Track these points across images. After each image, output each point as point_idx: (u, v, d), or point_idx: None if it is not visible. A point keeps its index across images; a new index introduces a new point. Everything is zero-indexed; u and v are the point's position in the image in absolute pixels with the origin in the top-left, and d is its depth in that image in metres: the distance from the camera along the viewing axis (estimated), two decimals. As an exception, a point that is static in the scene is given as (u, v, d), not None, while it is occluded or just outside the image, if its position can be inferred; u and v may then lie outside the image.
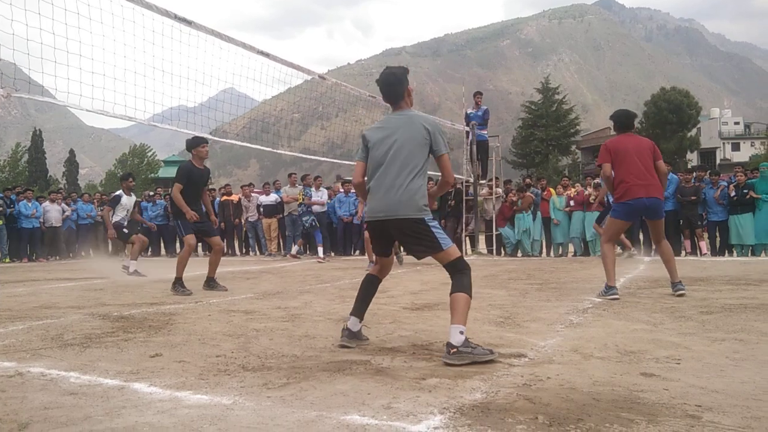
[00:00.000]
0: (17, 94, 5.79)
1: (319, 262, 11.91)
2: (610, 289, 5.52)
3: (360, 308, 3.56)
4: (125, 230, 9.44)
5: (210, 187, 16.46)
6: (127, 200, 9.44)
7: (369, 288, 3.62)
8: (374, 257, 3.92)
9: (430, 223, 3.36)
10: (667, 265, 5.67)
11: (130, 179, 9.79)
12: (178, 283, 6.44)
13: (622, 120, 5.88)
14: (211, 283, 6.83)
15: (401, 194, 3.34)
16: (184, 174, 6.58)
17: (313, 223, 12.27)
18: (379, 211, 3.40)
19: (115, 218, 9.33)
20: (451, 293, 3.23)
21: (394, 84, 3.56)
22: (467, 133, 13.36)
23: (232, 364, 3.08)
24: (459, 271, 3.29)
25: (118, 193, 9.64)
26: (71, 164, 68.76)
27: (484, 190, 13.54)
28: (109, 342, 3.73)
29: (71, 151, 72.17)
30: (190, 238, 6.62)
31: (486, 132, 13.41)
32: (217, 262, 6.91)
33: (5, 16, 5.37)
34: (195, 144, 6.66)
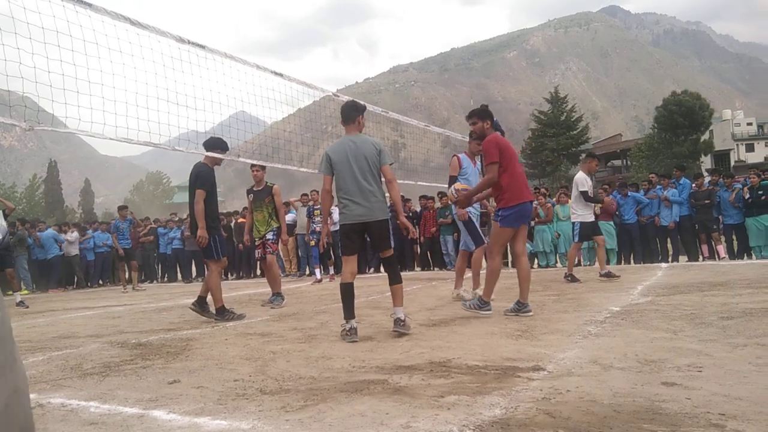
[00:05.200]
0: (40, 127, 5.87)
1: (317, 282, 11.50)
2: (485, 303, 5.37)
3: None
4: None
5: (224, 211, 16.47)
6: None
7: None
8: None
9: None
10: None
11: None
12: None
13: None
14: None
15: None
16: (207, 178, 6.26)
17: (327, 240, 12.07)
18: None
19: None
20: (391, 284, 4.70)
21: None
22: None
23: (250, 388, 3.09)
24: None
25: None
26: (87, 193, 69.64)
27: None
28: (128, 370, 3.75)
29: (86, 181, 73.13)
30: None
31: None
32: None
33: (26, 50, 5.47)
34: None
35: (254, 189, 7.66)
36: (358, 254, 4.89)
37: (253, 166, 7.80)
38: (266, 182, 7.67)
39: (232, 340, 4.81)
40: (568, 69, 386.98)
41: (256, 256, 7.75)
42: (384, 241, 4.69)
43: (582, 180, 8.53)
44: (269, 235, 7.49)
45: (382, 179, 4.75)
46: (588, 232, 8.66)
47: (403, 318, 4.51)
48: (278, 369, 3.53)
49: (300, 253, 14.42)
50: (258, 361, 3.83)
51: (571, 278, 8.33)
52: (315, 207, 12.27)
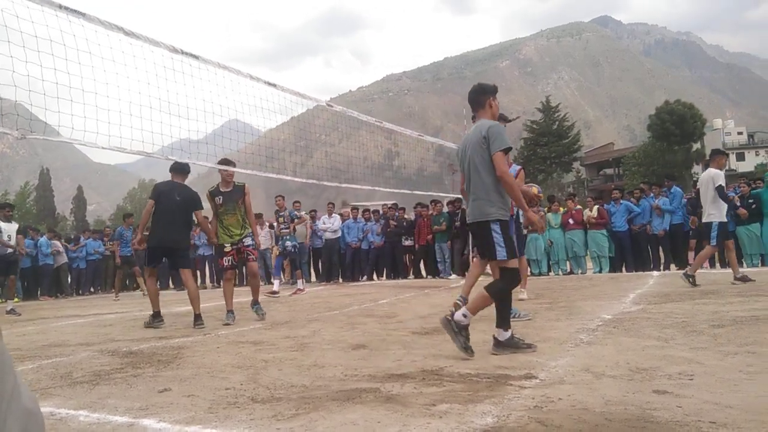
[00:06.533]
0: (32, 135, 5.84)
1: (273, 293, 10.61)
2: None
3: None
4: None
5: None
6: (6, 226, 10.40)
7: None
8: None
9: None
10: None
11: (7, 209, 10.76)
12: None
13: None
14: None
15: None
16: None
17: (294, 249, 11.33)
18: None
19: None
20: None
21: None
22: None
23: (241, 397, 3.07)
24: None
25: None
26: (79, 201, 69.35)
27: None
28: (119, 378, 3.73)
29: (79, 188, 72.83)
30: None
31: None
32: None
33: (19, 59, 5.45)
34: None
35: (222, 190, 6.95)
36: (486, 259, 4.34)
37: (221, 165, 7.12)
38: (235, 182, 7.05)
39: (223, 348, 4.79)
40: (561, 78, 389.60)
41: (226, 263, 6.84)
42: (485, 249, 4.07)
43: (717, 175, 7.80)
44: (247, 240, 6.87)
45: None
46: (726, 232, 8.03)
47: (503, 339, 3.91)
48: (270, 377, 3.52)
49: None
50: (250, 369, 3.81)
51: (692, 280, 7.67)
52: (280, 213, 11.99)
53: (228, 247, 6.82)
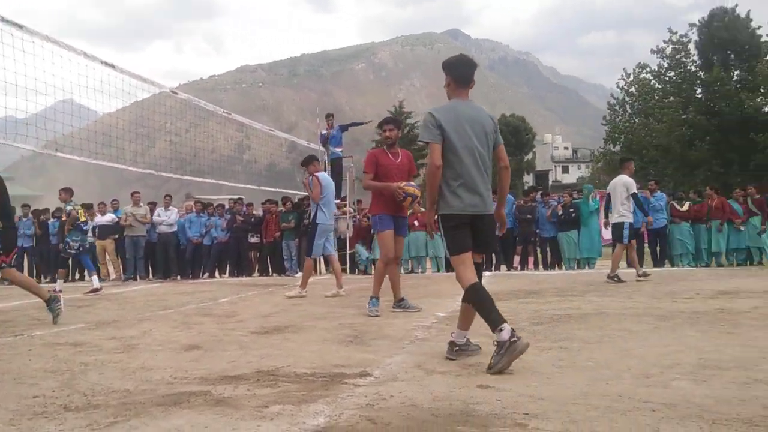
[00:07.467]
0: None
1: (95, 291, 9.48)
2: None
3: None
4: None
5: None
6: None
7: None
8: None
9: None
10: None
11: None
12: None
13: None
14: None
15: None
16: None
17: (81, 248, 10.01)
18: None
19: None
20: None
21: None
22: (323, 152, 13.45)
23: (51, 405, 2.77)
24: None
25: None
26: None
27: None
28: None
29: None
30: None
31: (341, 150, 13.59)
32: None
33: None
34: None
35: None
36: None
37: None
38: None
39: (37, 350, 4.31)
40: (412, 85, 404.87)
41: None
42: (488, 242, 3.76)
43: (631, 183, 8.57)
44: None
45: None
46: (633, 233, 8.80)
47: (459, 342, 3.69)
48: (88, 382, 3.22)
49: (127, 255, 13.41)
50: (65, 374, 3.46)
51: (617, 279, 8.35)
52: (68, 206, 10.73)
53: None
